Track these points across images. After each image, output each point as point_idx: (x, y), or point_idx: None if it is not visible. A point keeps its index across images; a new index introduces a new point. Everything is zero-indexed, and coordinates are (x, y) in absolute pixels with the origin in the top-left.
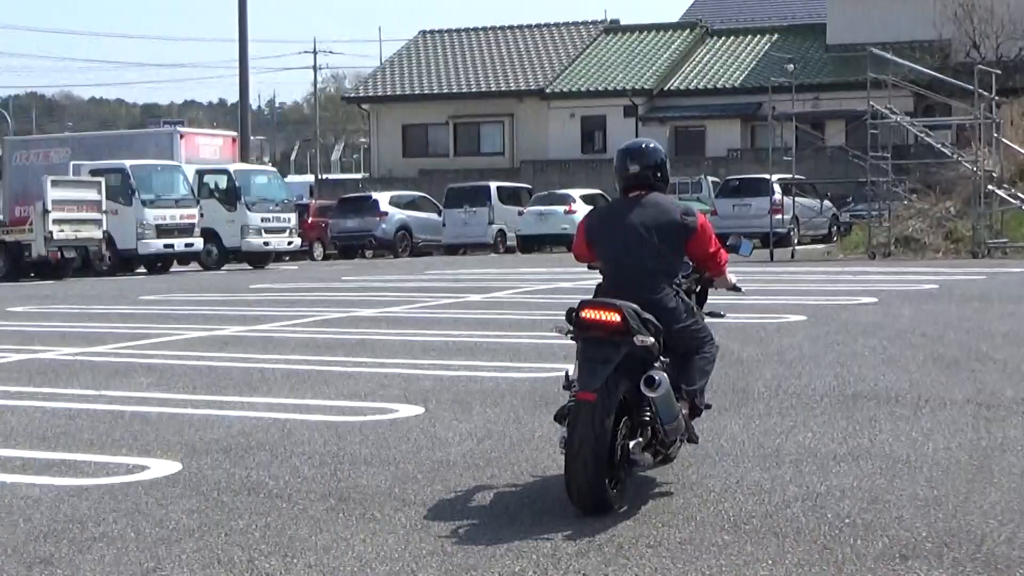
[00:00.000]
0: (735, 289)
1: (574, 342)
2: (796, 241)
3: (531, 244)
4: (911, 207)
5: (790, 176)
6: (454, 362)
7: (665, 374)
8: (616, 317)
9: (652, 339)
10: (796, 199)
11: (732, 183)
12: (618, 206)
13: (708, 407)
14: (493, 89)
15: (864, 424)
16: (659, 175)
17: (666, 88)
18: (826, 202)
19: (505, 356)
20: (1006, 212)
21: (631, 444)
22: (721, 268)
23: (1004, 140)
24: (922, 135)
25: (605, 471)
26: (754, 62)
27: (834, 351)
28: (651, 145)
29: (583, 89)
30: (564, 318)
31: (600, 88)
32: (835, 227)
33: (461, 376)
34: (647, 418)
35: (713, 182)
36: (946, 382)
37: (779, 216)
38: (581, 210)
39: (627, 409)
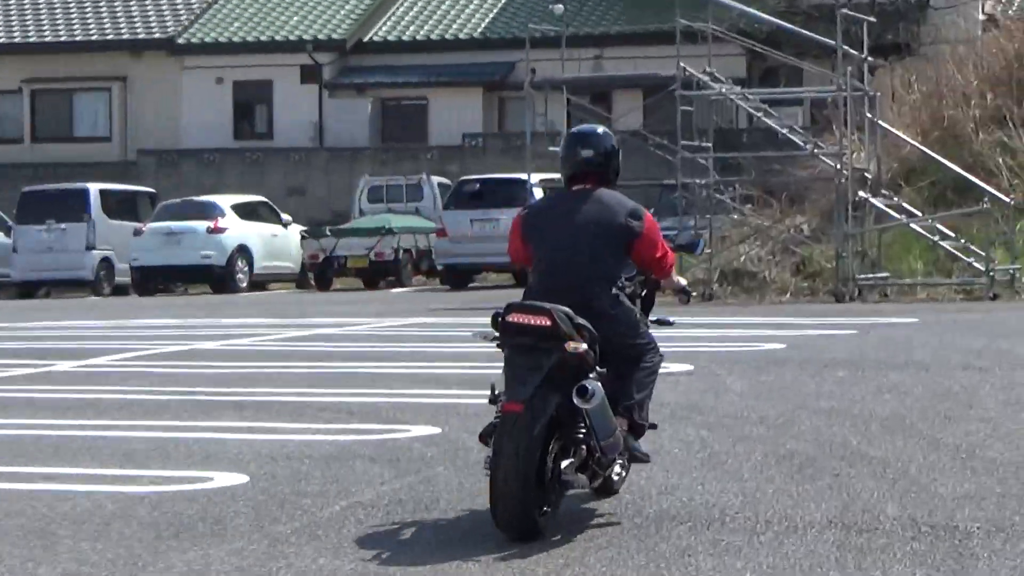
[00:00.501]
0: (683, 292)
1: (500, 351)
2: None
3: (153, 281)
4: (744, 224)
5: (558, 176)
6: (26, 469)
7: (600, 384)
8: (546, 321)
9: (585, 346)
10: None
11: (470, 187)
12: (559, 200)
13: (653, 426)
14: (94, 38)
15: (673, 559)
16: (611, 164)
17: (367, 39)
18: None
19: (111, 459)
20: (886, 232)
21: (564, 464)
22: (667, 272)
23: (882, 123)
24: (759, 114)
25: (534, 491)
26: (503, 1)
27: None
28: (603, 130)
29: (236, 39)
30: (489, 323)
31: (263, 38)
32: None
33: (39, 492)
34: (581, 434)
35: (441, 185)
36: (797, 494)
37: None
38: (234, 227)
39: (559, 425)
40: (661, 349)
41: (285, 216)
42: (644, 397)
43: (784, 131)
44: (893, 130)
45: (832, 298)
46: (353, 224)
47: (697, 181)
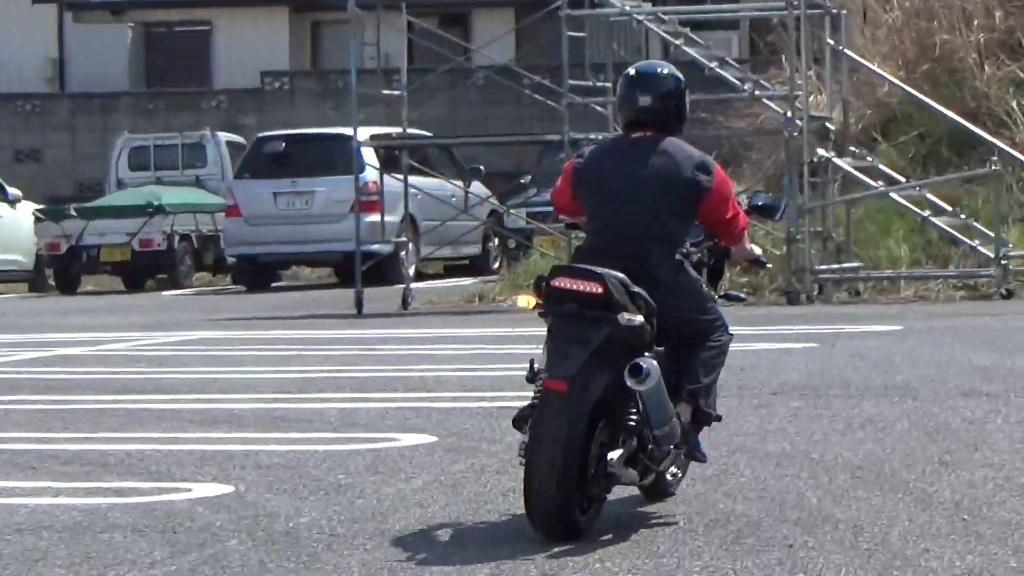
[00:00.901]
0: (757, 263)
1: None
2: (413, 271)
3: None
4: None
5: (397, 131)
6: None
7: (656, 364)
8: (597, 287)
9: (641, 318)
10: (412, 181)
11: (272, 147)
12: (617, 148)
13: (718, 418)
14: None
15: None
16: (676, 109)
17: None
18: (478, 186)
19: None
20: (857, 205)
21: (612, 456)
22: (739, 237)
23: (850, 54)
24: (678, 43)
25: (575, 483)
26: None
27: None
28: (666, 69)
29: None
30: (532, 287)
31: None
32: (496, 241)
33: None
34: (633, 422)
35: (231, 144)
36: (735, 573)
37: (374, 217)
38: None
39: (607, 410)
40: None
41: (12, 191)
42: (712, 381)
43: (713, 65)
44: (866, 63)
45: (782, 298)
46: (108, 201)
47: (591, 136)
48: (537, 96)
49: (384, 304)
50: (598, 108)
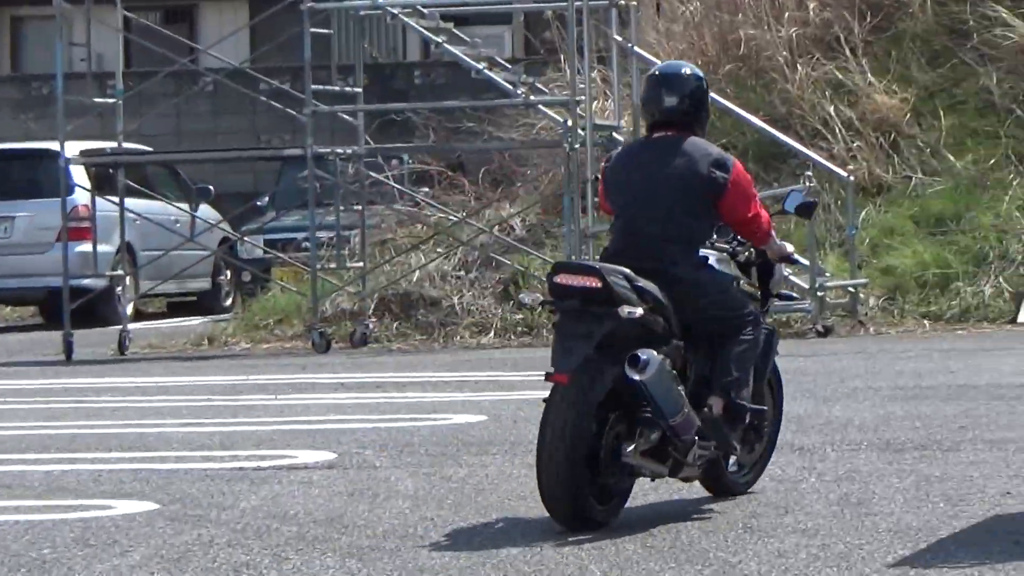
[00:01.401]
0: (788, 260)
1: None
2: (131, 310)
3: None
4: (417, 220)
5: (112, 146)
6: None
7: (655, 354)
8: (595, 282)
9: (641, 311)
10: (130, 204)
11: None
12: (639, 149)
13: (760, 411)
14: None
15: None
16: (698, 109)
17: None
18: (206, 210)
19: None
20: None
21: (627, 448)
22: (764, 237)
23: (640, 52)
24: (440, 40)
25: (584, 474)
26: None
27: None
28: (689, 70)
29: None
30: (546, 283)
31: None
32: (229, 274)
33: None
34: (648, 414)
35: None
36: None
37: (86, 247)
38: None
39: (620, 403)
40: (309, 438)
41: None
42: (744, 376)
43: (481, 67)
44: (651, 58)
45: None
46: None
47: (339, 151)
48: (275, 104)
49: (97, 349)
50: (347, 117)
